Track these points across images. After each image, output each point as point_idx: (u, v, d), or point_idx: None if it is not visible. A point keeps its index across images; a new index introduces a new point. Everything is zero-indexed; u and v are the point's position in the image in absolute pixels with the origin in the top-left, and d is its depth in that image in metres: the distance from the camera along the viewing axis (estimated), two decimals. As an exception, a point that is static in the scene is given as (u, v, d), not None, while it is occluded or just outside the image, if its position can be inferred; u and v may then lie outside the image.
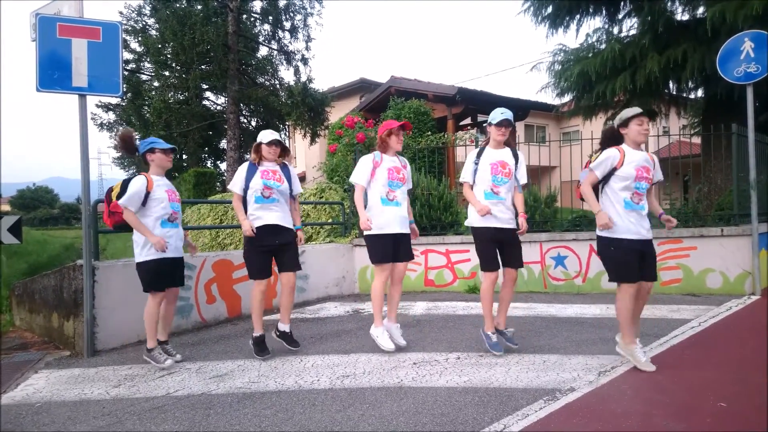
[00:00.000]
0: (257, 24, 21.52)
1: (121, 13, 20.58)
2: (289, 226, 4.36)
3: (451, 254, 7.24)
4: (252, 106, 22.51)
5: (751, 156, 6.33)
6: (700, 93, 11.17)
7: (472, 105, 15.22)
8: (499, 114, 4.11)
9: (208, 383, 3.71)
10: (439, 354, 4.22)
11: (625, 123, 3.64)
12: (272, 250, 4.29)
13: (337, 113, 18.67)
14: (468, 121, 17.74)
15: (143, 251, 4.07)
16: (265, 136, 4.32)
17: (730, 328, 4.83)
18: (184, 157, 25.99)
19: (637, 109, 3.63)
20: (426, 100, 14.01)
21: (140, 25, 20.62)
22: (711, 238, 6.49)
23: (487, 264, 4.17)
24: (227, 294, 5.87)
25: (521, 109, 16.46)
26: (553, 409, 2.99)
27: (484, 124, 4.30)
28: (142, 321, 4.74)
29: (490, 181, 4.13)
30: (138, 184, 4.04)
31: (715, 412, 2.91)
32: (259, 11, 20.75)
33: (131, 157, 4.27)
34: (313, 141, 20.02)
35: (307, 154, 22.75)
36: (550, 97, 11.40)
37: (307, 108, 18.69)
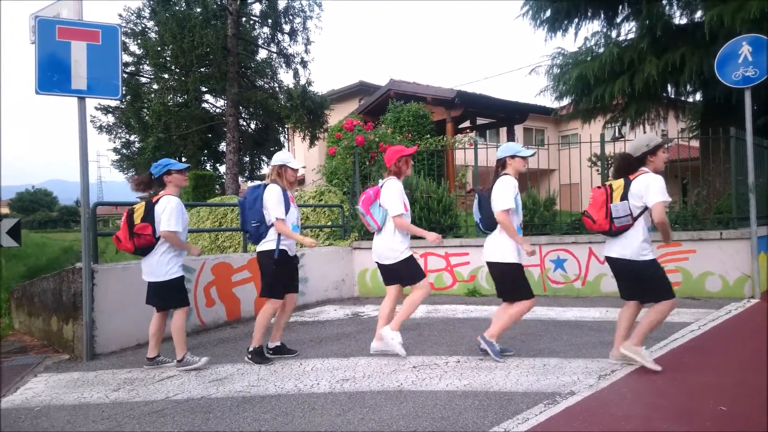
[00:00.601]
0: (256, 27, 21.53)
1: (120, 15, 20.58)
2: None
3: (451, 257, 7.24)
4: (251, 109, 22.51)
5: (749, 159, 6.34)
6: (698, 96, 11.20)
7: (471, 108, 15.25)
8: (526, 149, 4.14)
9: (207, 387, 3.70)
10: (438, 357, 4.22)
11: (654, 151, 3.64)
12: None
13: (336, 116, 18.69)
14: (467, 124, 17.76)
15: (173, 269, 4.11)
16: (293, 161, 4.33)
17: (729, 332, 4.83)
18: (184, 159, 25.98)
19: (658, 138, 3.69)
20: (425, 103, 14.05)
21: (139, 27, 20.62)
22: (710, 242, 6.50)
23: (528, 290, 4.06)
24: (226, 297, 5.86)
25: (520, 112, 16.50)
26: (553, 413, 2.98)
27: (506, 155, 4.12)
28: (141, 324, 4.74)
29: (521, 217, 4.13)
30: (179, 206, 4.11)
31: (715, 415, 2.91)
32: (258, 14, 20.77)
33: (149, 190, 4.29)
34: (312, 144, 20.03)
35: (307, 156, 22.75)
36: (548, 101, 11.43)
37: (306, 111, 18.70)
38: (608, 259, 3.83)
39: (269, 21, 20.33)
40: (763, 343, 4.44)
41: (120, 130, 24.49)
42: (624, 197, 3.58)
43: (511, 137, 17.25)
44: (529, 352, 4.31)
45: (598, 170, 7.53)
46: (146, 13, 20.35)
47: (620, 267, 3.75)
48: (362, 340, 4.89)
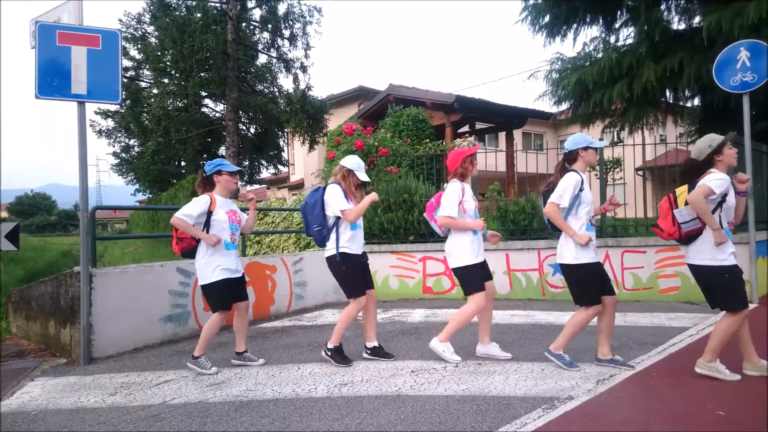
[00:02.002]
0: (256, 32, 21.62)
1: (120, 20, 20.68)
2: None
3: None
4: (251, 114, 22.58)
5: (747, 164, 6.36)
6: (696, 101, 11.25)
7: (471, 113, 15.28)
8: (598, 141, 3.91)
9: (204, 391, 3.69)
10: (437, 362, 4.21)
11: (719, 149, 3.53)
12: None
13: (335, 120, 18.72)
14: (466, 128, 17.79)
15: (212, 273, 4.04)
16: (362, 171, 4.30)
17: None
18: (183, 164, 26.01)
19: (719, 137, 3.57)
20: (424, 108, 14.07)
21: (140, 32, 20.71)
22: (708, 246, 6.49)
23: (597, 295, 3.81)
24: (225, 301, 5.84)
25: (519, 116, 16.53)
26: (551, 418, 2.98)
27: (574, 149, 3.84)
28: (138, 329, 4.74)
29: (590, 213, 3.83)
30: (201, 200, 4.05)
31: (713, 420, 2.90)
32: (258, 19, 20.87)
33: (207, 189, 4.23)
34: (311, 148, 20.06)
35: (306, 161, 22.76)
36: (547, 105, 11.48)
37: (305, 115, 18.75)
38: (689, 266, 3.65)
39: (269, 26, 20.42)
40: (761, 349, 4.43)
41: (119, 135, 24.55)
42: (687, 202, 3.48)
43: (510, 142, 17.28)
44: (528, 356, 4.30)
45: (596, 175, 7.55)
46: (146, 18, 20.46)
47: (697, 274, 3.60)
48: (360, 345, 4.87)
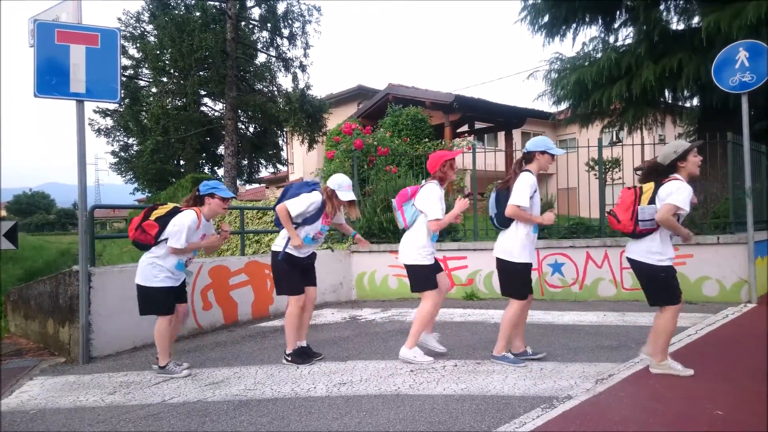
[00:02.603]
0: (256, 31, 21.60)
1: (119, 19, 20.67)
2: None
3: (449, 261, 7.23)
4: (250, 113, 22.56)
5: (746, 164, 6.37)
6: (695, 102, 11.26)
7: (470, 112, 15.29)
8: (557, 148, 4.02)
9: (203, 390, 3.69)
10: (436, 361, 4.21)
11: (684, 156, 3.60)
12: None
13: (334, 120, 18.72)
14: (465, 128, 17.80)
15: (157, 277, 3.98)
16: (342, 184, 4.28)
17: (726, 337, 4.83)
18: (182, 162, 25.99)
19: (686, 143, 3.65)
20: (423, 108, 14.08)
21: (138, 31, 20.70)
22: (707, 246, 6.51)
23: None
24: (224, 300, 5.85)
25: (518, 116, 16.54)
26: (550, 417, 2.98)
27: (532, 151, 3.94)
28: (137, 327, 4.73)
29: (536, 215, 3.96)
30: (189, 219, 3.95)
31: (711, 420, 2.91)
32: (257, 18, 20.85)
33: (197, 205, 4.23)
34: (310, 147, 20.06)
35: (305, 160, 22.76)
36: (546, 105, 11.49)
37: (304, 114, 18.75)
38: (629, 260, 3.79)
39: (268, 25, 20.40)
40: (760, 349, 4.44)
41: (118, 133, 24.54)
42: (652, 201, 3.56)
43: (509, 142, 17.29)
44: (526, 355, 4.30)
45: (595, 174, 7.56)
46: (145, 16, 20.45)
47: (638, 270, 3.72)
48: (360, 344, 4.88)
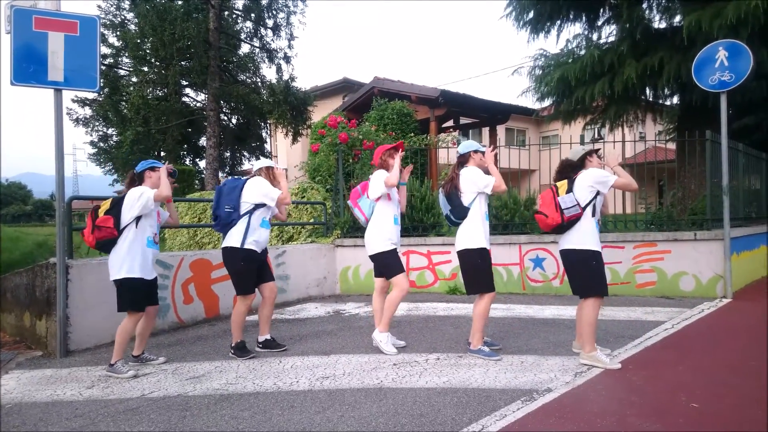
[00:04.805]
0: (239, 21, 21.27)
1: (99, 6, 20.16)
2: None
3: (433, 255, 7.27)
4: (233, 104, 22.25)
5: (724, 162, 6.50)
6: (675, 100, 11.44)
7: (455, 108, 15.29)
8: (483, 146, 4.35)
9: (184, 384, 3.65)
10: (419, 355, 4.24)
11: (591, 153, 4.08)
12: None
13: (319, 112, 18.58)
14: (450, 123, 17.83)
15: (131, 268, 3.89)
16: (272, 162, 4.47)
17: (702, 331, 4.95)
18: (162, 154, 25.59)
19: (585, 148, 4.11)
20: (409, 102, 14.04)
21: (119, 19, 20.23)
22: (685, 242, 6.64)
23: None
24: (205, 294, 5.80)
25: (502, 112, 16.61)
26: (530, 410, 3.02)
27: (466, 152, 4.28)
28: (116, 321, 4.64)
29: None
30: (147, 192, 3.92)
31: (687, 412, 2.98)
32: (241, 8, 20.52)
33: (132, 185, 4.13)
34: (295, 140, 19.89)
35: (289, 153, 22.59)
36: (530, 101, 11.57)
37: (289, 107, 18.56)
38: (562, 253, 4.04)
39: (252, 15, 20.11)
40: (735, 343, 4.56)
41: (97, 123, 24.01)
42: (569, 191, 3.92)
43: (493, 137, 17.37)
44: (508, 349, 4.35)
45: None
46: (126, 4, 19.98)
47: (571, 259, 3.97)
48: (343, 338, 4.89)
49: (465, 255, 4.16)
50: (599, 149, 4.26)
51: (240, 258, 4.21)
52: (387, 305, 4.38)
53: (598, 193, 3.90)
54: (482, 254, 4.11)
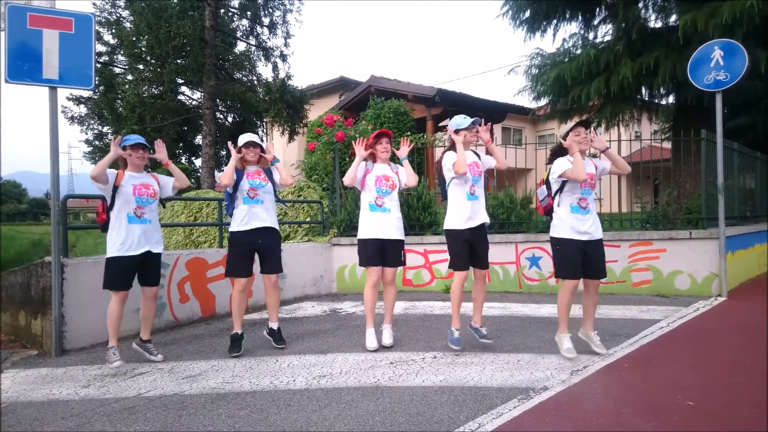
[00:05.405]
0: (235, 19, 21.21)
1: (94, 4, 20.05)
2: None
3: (429, 254, 7.27)
4: (229, 102, 22.22)
5: (719, 161, 6.52)
6: (671, 99, 11.46)
7: (451, 106, 15.29)
8: (465, 119, 4.31)
9: (180, 383, 3.65)
10: (415, 353, 4.24)
11: (565, 137, 4.07)
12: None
13: (316, 111, 18.55)
14: (447, 122, 17.84)
15: (110, 248, 4.02)
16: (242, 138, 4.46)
17: (697, 329, 4.97)
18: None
19: (572, 125, 4.11)
20: (406, 101, 14.04)
21: (114, 16, 20.14)
22: (680, 241, 6.67)
23: (459, 263, 4.30)
24: (201, 293, 5.78)
25: (499, 111, 16.64)
26: (526, 408, 3.03)
27: (454, 128, 4.31)
28: (113, 320, 4.62)
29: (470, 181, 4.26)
30: (111, 171, 4.07)
31: (682, 410, 2.99)
32: (237, 6, 20.46)
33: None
34: (291, 139, 19.86)
35: (285, 151, 22.54)
36: (527, 101, 11.55)
37: (285, 105, 18.52)
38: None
39: (248, 13, 20.04)
40: (730, 341, 4.58)
41: (92, 122, 23.88)
42: (546, 180, 4.15)
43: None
44: (504, 347, 4.36)
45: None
46: (121, 2, 19.88)
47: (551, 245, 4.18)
48: (340, 337, 4.89)
49: (444, 235, 4.38)
50: (589, 122, 4.25)
51: (229, 243, 4.43)
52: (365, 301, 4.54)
53: (565, 182, 3.98)
54: (452, 234, 4.26)
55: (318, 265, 7.33)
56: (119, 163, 4.22)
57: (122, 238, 4.00)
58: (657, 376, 3.57)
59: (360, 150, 4.41)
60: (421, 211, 7.61)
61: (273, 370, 3.90)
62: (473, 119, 4.26)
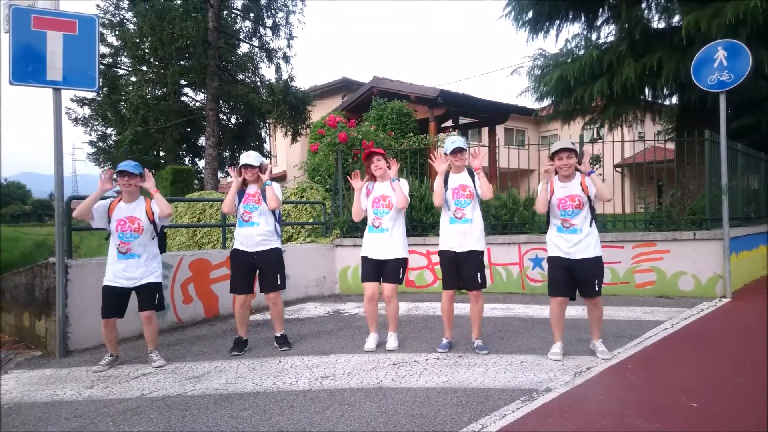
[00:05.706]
0: (238, 20, 21.26)
1: (98, 6, 20.15)
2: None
3: (432, 255, 7.26)
4: (232, 103, 22.25)
5: (722, 162, 6.50)
6: (674, 100, 11.43)
7: (454, 107, 15.29)
8: (450, 143, 4.31)
9: (184, 384, 3.65)
10: (418, 354, 4.24)
11: (551, 157, 4.06)
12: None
13: (319, 112, 18.57)
14: (450, 123, 17.82)
15: (105, 276, 4.10)
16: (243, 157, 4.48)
17: (701, 330, 4.95)
18: (162, 154, 25.58)
19: (557, 145, 4.03)
20: (408, 102, 14.03)
21: (118, 18, 20.21)
22: (684, 242, 6.65)
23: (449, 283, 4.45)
24: (204, 294, 5.80)
25: (502, 112, 16.61)
26: (530, 409, 3.02)
27: (446, 152, 4.33)
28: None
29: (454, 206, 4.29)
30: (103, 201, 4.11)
31: (686, 412, 2.98)
32: (240, 8, 20.52)
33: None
34: (294, 140, 19.88)
35: (288, 152, 22.59)
36: (529, 101, 11.56)
37: (288, 106, 18.55)
38: None
39: (251, 15, 20.11)
40: (734, 342, 4.56)
41: (96, 123, 23.97)
42: None
43: (492, 137, 17.37)
44: (507, 349, 4.36)
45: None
46: (125, 3, 19.98)
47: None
48: (343, 338, 4.89)
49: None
50: (575, 150, 4.07)
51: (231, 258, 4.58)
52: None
53: (550, 199, 4.08)
54: (439, 253, 4.42)
55: (321, 266, 7.34)
56: (111, 162, 4.30)
57: (113, 270, 4.07)
58: (660, 378, 3.56)
59: (356, 183, 4.50)
60: (424, 212, 7.61)
61: (276, 371, 3.90)
62: (454, 146, 4.21)
